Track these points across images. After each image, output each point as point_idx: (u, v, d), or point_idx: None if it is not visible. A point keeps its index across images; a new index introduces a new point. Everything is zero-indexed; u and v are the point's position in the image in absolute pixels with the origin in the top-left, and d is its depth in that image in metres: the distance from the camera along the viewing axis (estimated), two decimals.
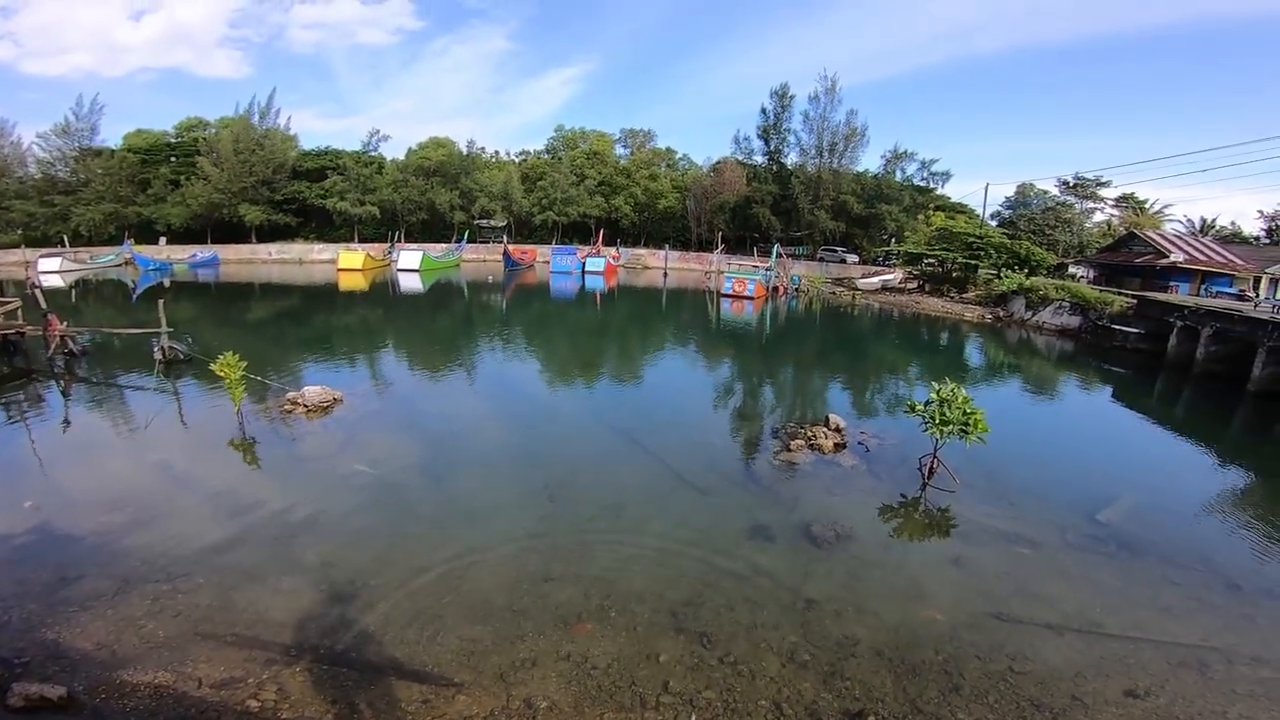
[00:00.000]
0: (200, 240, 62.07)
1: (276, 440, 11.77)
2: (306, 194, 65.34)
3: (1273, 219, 59.64)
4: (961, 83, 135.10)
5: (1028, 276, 36.49)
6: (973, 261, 40.78)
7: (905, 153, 60.27)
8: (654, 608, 6.86)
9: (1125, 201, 64.77)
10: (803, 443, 12.13)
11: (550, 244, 65.82)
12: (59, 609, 6.44)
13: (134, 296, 35.46)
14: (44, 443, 11.67)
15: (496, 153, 78.06)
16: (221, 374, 11.94)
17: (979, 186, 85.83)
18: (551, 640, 6.25)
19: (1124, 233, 50.93)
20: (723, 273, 44.42)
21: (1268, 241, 56.24)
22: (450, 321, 29.59)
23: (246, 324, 27.17)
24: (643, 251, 66.73)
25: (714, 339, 27.23)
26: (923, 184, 61.97)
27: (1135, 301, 27.97)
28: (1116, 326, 27.31)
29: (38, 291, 18.23)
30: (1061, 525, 9.48)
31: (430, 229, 68.19)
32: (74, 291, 36.29)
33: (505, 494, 9.90)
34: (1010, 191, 70.03)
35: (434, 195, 65.50)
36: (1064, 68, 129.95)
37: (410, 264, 49.91)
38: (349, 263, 49.53)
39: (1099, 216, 65.31)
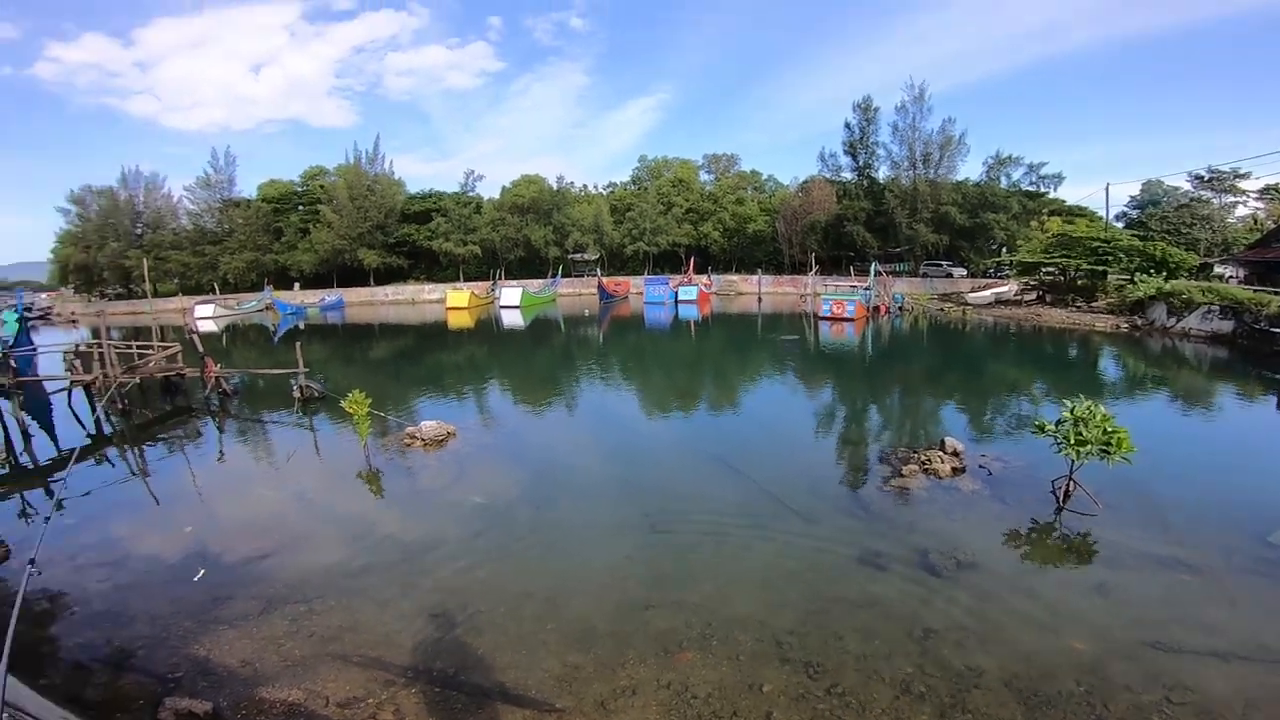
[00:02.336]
0: (327, 284, 67.95)
1: (397, 472, 12.53)
2: (415, 236, 70.14)
3: None
4: (1056, 83, 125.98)
5: (1166, 280, 32.92)
6: (1100, 267, 37.34)
7: (1009, 157, 56.35)
8: (757, 636, 6.63)
9: (1271, 193, 57.39)
10: (916, 467, 11.42)
11: (642, 275, 66.65)
12: (210, 627, 7.04)
13: (275, 339, 39.45)
14: (202, 473, 13.15)
15: (585, 186, 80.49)
16: (350, 410, 12.88)
17: (1095, 189, 78.91)
18: (652, 668, 6.17)
19: (1273, 226, 45.15)
20: (819, 294, 43.19)
21: None
22: (551, 356, 30.58)
23: (369, 362, 29.43)
24: (735, 277, 66.14)
25: (814, 363, 26.42)
26: (1032, 189, 57.65)
27: None
28: (1277, 329, 24.10)
29: (194, 336, 20.65)
30: (1226, 548, 8.32)
31: (527, 265, 71.15)
32: (225, 335, 40.90)
33: (607, 522, 9.98)
34: (1135, 190, 64.21)
35: (529, 232, 68.26)
36: (1165, 59, 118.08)
37: (512, 300, 52.08)
38: (456, 301, 52.68)
39: (1242, 211, 58.30)
